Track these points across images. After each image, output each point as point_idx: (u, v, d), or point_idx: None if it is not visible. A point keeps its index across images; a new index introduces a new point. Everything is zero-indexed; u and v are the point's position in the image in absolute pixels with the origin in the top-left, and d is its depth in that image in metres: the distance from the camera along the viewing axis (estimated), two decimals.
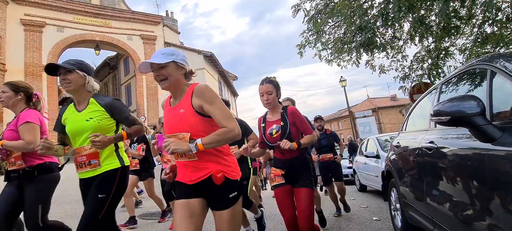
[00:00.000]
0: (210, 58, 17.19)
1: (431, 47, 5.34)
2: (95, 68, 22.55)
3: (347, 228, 3.17)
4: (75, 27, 14.15)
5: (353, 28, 4.84)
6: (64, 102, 30.59)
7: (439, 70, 5.00)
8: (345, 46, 5.51)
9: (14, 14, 12.57)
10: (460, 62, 5.33)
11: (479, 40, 4.84)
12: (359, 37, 4.55)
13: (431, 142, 1.73)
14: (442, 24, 4.60)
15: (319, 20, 5.74)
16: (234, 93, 25.05)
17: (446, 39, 5.06)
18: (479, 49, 5.00)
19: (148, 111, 15.01)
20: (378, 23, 4.68)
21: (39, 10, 13.28)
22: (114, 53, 18.45)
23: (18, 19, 12.63)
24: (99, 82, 1.96)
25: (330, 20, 5.78)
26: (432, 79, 5.05)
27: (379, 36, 5.21)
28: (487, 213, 1.14)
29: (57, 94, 14.31)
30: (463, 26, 4.92)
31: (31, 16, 13.02)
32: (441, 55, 5.06)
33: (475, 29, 5.00)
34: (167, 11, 18.61)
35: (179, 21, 25.24)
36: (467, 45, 5.31)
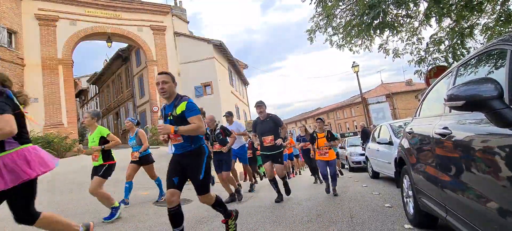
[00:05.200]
0: (220, 47, 17.11)
1: (450, 28, 5.07)
2: (107, 60, 23.05)
3: (358, 214, 3.16)
4: (87, 20, 14.37)
5: (363, 9, 4.65)
6: (81, 95, 31.28)
7: (464, 50, 4.75)
8: (356, 28, 5.32)
9: (28, 9, 12.89)
10: (481, 43, 5.05)
11: (502, 18, 4.56)
12: (366, 17, 4.38)
13: (445, 128, 1.67)
14: (463, 1, 4.35)
15: (329, 3, 5.55)
16: (245, 82, 24.99)
17: (468, 17, 4.78)
18: (502, 28, 4.71)
19: (160, 102, 15.27)
20: (388, 2, 4.48)
21: (52, 4, 13.54)
22: (125, 45, 18.70)
23: (32, 14, 12.95)
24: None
25: (341, 3, 5.58)
26: (456, 59, 4.82)
27: (391, 16, 4.99)
28: (503, 200, 1.10)
29: (73, 86, 14.78)
30: (485, 3, 4.63)
31: (45, 11, 13.31)
32: (466, 33, 4.78)
33: (498, 7, 4.70)
34: (175, 0, 18.52)
35: (187, 10, 25.13)
36: (489, 24, 5.01)
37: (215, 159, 4.52)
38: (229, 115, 5.55)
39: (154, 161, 4.59)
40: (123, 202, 4.06)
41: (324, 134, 4.79)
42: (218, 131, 4.49)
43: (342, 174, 7.45)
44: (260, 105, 4.28)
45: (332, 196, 4.48)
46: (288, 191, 4.52)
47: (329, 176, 4.75)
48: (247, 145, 6.92)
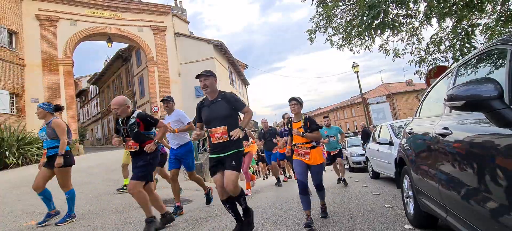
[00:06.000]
0: (220, 48, 17.13)
1: (453, 26, 5.06)
2: (108, 61, 23.06)
3: (359, 214, 3.16)
4: (87, 20, 14.40)
5: (363, 9, 4.65)
6: (81, 95, 31.16)
7: (471, 48, 4.73)
8: (356, 28, 5.32)
9: (29, 10, 12.92)
10: (481, 43, 5.05)
11: (502, 18, 4.56)
12: (366, 17, 4.37)
13: (446, 128, 1.66)
14: (463, 1, 4.35)
15: (329, 4, 5.56)
16: (245, 82, 25.01)
17: (468, 17, 4.77)
18: (502, 28, 4.71)
19: (160, 102, 15.30)
20: (388, 1, 4.48)
21: (52, 4, 13.57)
22: (126, 45, 18.72)
23: (33, 15, 12.98)
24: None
25: (341, 3, 5.58)
26: (464, 55, 4.82)
27: (391, 16, 4.99)
28: (503, 200, 1.10)
29: (74, 87, 14.78)
30: (486, 2, 4.63)
31: (45, 11, 13.34)
32: (469, 32, 4.76)
33: (498, 7, 4.70)
34: (175, 0, 18.54)
35: (187, 11, 25.09)
36: (489, 24, 5.01)
37: (132, 164, 2.93)
38: (168, 100, 3.94)
39: (73, 164, 3.55)
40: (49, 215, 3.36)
41: (301, 123, 3.05)
42: (132, 120, 2.85)
43: (346, 183, 5.54)
44: (206, 75, 2.59)
45: (332, 196, 4.45)
46: (248, 224, 2.64)
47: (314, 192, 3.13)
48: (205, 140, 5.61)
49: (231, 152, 2.54)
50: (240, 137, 2.52)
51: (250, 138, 5.74)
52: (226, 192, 2.52)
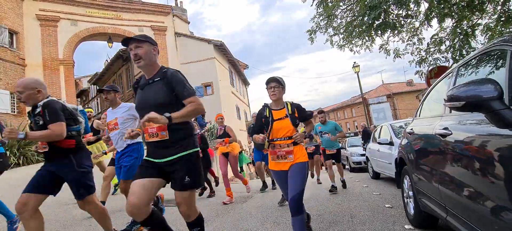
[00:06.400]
0: (220, 48, 17.13)
1: (453, 26, 5.07)
2: (108, 61, 23.09)
3: (359, 214, 3.16)
4: (88, 20, 14.42)
5: (364, 10, 4.66)
6: (82, 95, 31.19)
7: (470, 50, 4.73)
8: (357, 29, 5.32)
9: (29, 10, 12.94)
10: (482, 44, 5.05)
11: (502, 19, 4.56)
12: (367, 18, 4.38)
13: (446, 128, 1.67)
14: (464, 1, 4.35)
15: (330, 4, 5.56)
16: (245, 82, 25.01)
17: (468, 18, 4.77)
18: (503, 28, 4.71)
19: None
20: (389, 2, 4.49)
21: (53, 5, 13.59)
22: None
23: (33, 15, 13.00)
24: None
25: (341, 4, 5.59)
26: (463, 57, 4.83)
27: (392, 16, 4.99)
28: (503, 201, 1.10)
29: (74, 87, 14.80)
30: (486, 3, 4.64)
31: (46, 11, 13.35)
32: (469, 32, 4.76)
33: (499, 7, 4.70)
34: (176, 0, 18.54)
35: (188, 11, 25.12)
36: (490, 24, 5.01)
37: (41, 171, 2.16)
38: (108, 90, 2.86)
39: (6, 169, 3.01)
40: None
41: (287, 112, 2.21)
42: (37, 109, 2.03)
43: (344, 186, 5.17)
44: (139, 40, 1.75)
45: (332, 196, 4.45)
46: None
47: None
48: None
49: (177, 155, 1.69)
50: (185, 133, 1.74)
51: (230, 139, 4.70)
52: (144, 211, 1.62)
